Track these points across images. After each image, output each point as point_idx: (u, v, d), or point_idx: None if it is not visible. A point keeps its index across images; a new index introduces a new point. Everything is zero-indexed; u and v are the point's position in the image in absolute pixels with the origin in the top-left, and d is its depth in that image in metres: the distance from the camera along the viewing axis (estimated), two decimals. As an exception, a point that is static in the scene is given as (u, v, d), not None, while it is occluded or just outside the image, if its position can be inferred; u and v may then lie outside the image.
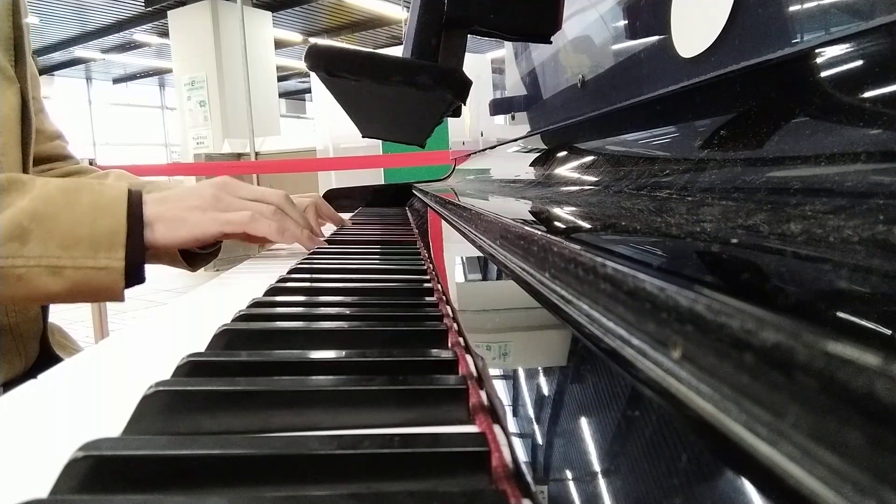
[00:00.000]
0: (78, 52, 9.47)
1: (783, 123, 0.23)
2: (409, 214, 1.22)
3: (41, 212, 0.52)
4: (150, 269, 0.77)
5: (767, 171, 0.21)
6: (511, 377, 0.26)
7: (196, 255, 0.76)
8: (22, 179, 0.55)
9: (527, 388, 0.23)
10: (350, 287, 0.45)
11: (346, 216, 0.97)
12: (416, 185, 1.38)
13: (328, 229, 0.94)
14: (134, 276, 0.55)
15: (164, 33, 7.27)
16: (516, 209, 0.37)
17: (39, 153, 0.75)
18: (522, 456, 0.18)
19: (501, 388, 0.24)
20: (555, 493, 0.16)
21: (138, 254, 0.55)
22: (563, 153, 0.52)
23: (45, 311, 0.74)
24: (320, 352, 0.28)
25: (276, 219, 0.63)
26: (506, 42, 0.87)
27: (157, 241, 0.57)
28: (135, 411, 0.21)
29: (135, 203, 0.56)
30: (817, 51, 0.22)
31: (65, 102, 12.06)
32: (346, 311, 0.38)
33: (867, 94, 0.19)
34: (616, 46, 0.47)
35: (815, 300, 0.10)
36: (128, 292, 0.58)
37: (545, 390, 0.22)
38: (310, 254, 0.65)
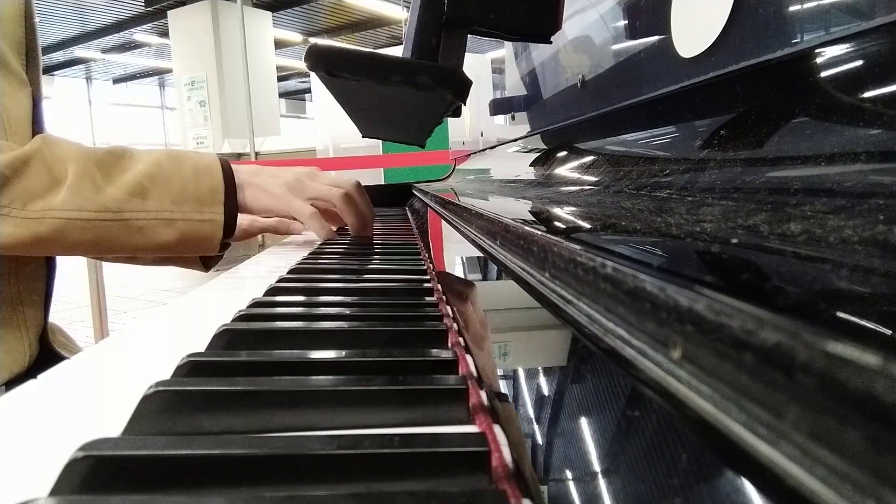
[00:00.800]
0: (78, 52, 9.47)
1: (783, 123, 0.23)
2: (409, 214, 1.22)
3: (155, 173, 0.63)
4: (151, 270, 0.78)
5: (767, 171, 0.21)
6: (511, 377, 0.26)
7: (208, 256, 0.83)
8: (130, 148, 0.66)
9: (527, 388, 0.23)
10: (350, 287, 0.45)
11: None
12: (416, 185, 1.38)
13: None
14: (228, 230, 0.66)
15: (164, 33, 7.27)
16: (516, 209, 0.37)
17: None
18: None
19: (501, 388, 0.24)
20: (555, 493, 0.16)
21: (233, 210, 0.66)
22: (563, 153, 0.52)
23: (46, 306, 0.74)
24: (320, 352, 0.28)
25: (348, 208, 0.74)
26: (506, 42, 0.87)
27: (245, 203, 0.68)
28: (135, 411, 0.21)
29: (226, 168, 0.67)
30: (817, 51, 0.22)
31: (65, 102, 12.05)
32: (346, 311, 0.38)
33: (867, 94, 0.19)
34: (616, 46, 0.47)
35: (815, 300, 0.10)
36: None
37: (545, 390, 0.22)
38: (309, 254, 0.65)
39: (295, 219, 0.75)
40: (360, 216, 0.76)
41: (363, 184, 0.81)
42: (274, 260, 0.70)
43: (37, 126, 0.69)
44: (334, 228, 0.78)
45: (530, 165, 0.63)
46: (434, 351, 0.28)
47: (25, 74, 0.68)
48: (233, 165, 0.69)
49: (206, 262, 0.83)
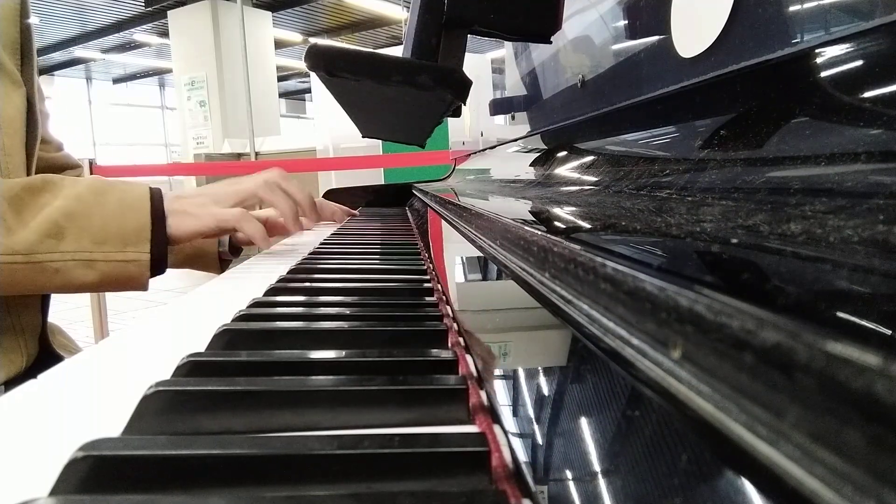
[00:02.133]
0: (78, 52, 9.46)
1: (783, 123, 0.23)
2: (409, 214, 1.22)
3: (74, 210, 0.58)
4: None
5: (767, 171, 0.21)
6: (511, 377, 0.26)
7: (223, 260, 0.84)
8: (54, 180, 0.60)
9: (527, 388, 0.23)
10: (350, 287, 0.45)
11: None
12: (416, 185, 1.38)
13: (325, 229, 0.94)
14: (157, 266, 0.61)
15: (164, 33, 7.27)
16: (516, 209, 0.37)
17: (52, 163, 0.81)
18: (522, 456, 0.18)
19: (501, 388, 0.24)
20: (555, 493, 0.16)
21: (161, 247, 0.61)
22: (563, 153, 0.52)
23: (44, 308, 0.74)
24: (320, 352, 0.28)
25: (272, 194, 0.70)
26: (506, 42, 0.87)
27: (171, 234, 0.63)
28: (135, 411, 0.21)
29: (156, 200, 0.62)
30: (817, 51, 0.22)
31: (65, 102, 12.05)
32: (346, 311, 0.38)
33: (867, 94, 0.19)
34: (616, 46, 0.47)
35: (815, 300, 0.10)
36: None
37: (545, 390, 0.22)
38: (309, 254, 0.65)
39: (232, 232, 0.71)
40: (288, 201, 0.71)
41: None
42: (274, 260, 0.70)
43: (31, 126, 0.69)
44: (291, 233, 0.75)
45: (530, 165, 0.63)
46: (434, 351, 0.28)
47: (20, 75, 0.68)
48: (164, 195, 0.64)
49: (221, 264, 0.83)
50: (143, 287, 0.61)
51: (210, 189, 0.69)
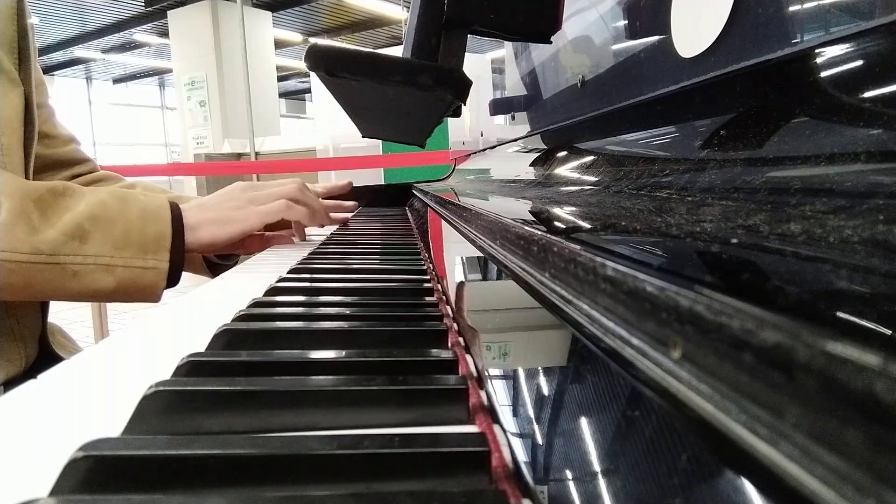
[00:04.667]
0: (78, 52, 9.46)
1: (783, 123, 0.23)
2: (409, 214, 1.22)
3: (99, 215, 0.59)
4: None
5: (767, 171, 0.21)
6: (511, 377, 0.26)
7: (216, 265, 0.84)
8: (73, 187, 0.61)
9: (527, 388, 0.23)
10: (350, 287, 0.45)
11: (346, 215, 0.99)
12: (416, 185, 1.38)
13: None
14: (172, 277, 0.62)
15: (164, 33, 7.27)
16: (516, 209, 0.37)
17: (58, 157, 0.80)
18: (522, 456, 0.18)
19: (501, 388, 0.24)
20: (555, 493, 0.16)
21: (179, 257, 0.62)
22: (563, 153, 0.52)
23: (44, 309, 0.74)
24: (320, 352, 0.28)
25: (306, 201, 0.75)
26: (506, 42, 0.87)
27: (204, 241, 0.65)
28: (135, 411, 0.21)
29: (175, 211, 0.64)
30: (817, 51, 0.22)
31: (65, 102, 12.05)
32: (346, 310, 0.38)
33: (867, 94, 0.19)
34: (616, 46, 0.47)
35: (815, 300, 0.10)
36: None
37: (545, 390, 0.22)
38: (310, 254, 0.65)
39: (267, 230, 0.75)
40: (306, 214, 0.76)
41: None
42: (274, 260, 0.70)
43: (29, 126, 0.69)
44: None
45: (530, 165, 0.63)
46: (434, 351, 0.28)
47: (18, 74, 0.68)
48: (182, 207, 0.66)
49: (214, 269, 0.83)
50: (157, 298, 0.62)
51: (236, 192, 0.71)
